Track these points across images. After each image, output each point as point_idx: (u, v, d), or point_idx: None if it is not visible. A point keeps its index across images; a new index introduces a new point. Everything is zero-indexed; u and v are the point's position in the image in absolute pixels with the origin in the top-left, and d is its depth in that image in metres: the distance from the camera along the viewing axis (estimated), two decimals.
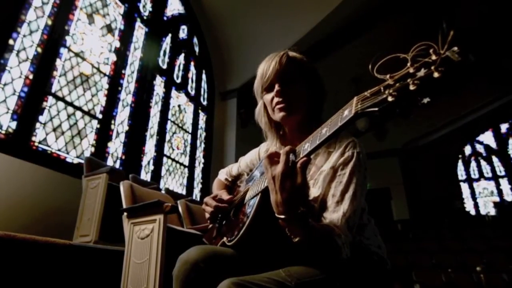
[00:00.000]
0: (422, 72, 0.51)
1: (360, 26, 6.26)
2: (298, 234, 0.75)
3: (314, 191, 0.90)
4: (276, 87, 1.00)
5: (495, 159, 9.91)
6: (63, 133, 3.36)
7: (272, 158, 0.78)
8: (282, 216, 0.74)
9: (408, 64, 0.54)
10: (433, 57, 0.50)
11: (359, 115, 0.61)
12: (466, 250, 5.01)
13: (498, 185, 9.67)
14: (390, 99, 0.55)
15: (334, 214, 0.84)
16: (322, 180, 0.89)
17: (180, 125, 5.48)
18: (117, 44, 4.27)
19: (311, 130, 0.78)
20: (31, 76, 3.09)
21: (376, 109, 0.57)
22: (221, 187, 1.28)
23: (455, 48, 0.49)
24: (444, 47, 0.49)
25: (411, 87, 0.52)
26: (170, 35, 5.44)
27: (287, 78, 1.00)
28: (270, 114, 1.06)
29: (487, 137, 10.10)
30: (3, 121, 2.83)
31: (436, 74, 0.50)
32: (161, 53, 5.17)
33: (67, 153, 3.36)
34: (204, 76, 6.38)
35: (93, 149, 3.66)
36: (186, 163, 5.48)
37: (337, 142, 0.93)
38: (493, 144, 9.98)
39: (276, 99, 1.01)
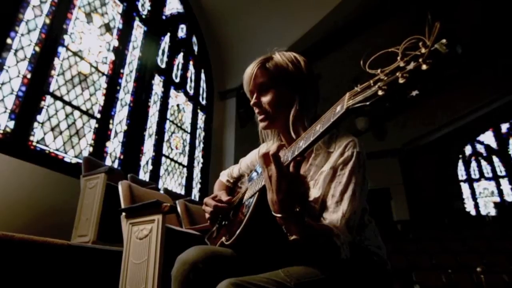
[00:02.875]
0: (411, 65, 0.52)
1: (360, 25, 6.25)
2: (295, 233, 0.76)
3: (315, 192, 0.90)
4: (253, 98, 1.02)
5: (495, 159, 9.88)
6: (61, 132, 3.35)
7: (267, 157, 0.78)
8: (279, 215, 0.75)
9: (398, 58, 0.55)
10: (422, 50, 0.51)
11: (351, 110, 0.62)
12: (467, 250, 4.99)
13: (498, 185, 9.64)
14: (380, 93, 0.56)
15: (333, 214, 0.84)
16: (322, 181, 0.89)
17: (179, 124, 5.48)
18: (115, 43, 4.27)
19: (302, 129, 0.78)
20: (29, 75, 3.09)
21: (367, 103, 0.58)
22: (222, 189, 1.28)
23: (443, 41, 0.49)
24: (431, 39, 0.50)
25: (400, 80, 0.53)
26: (168, 34, 5.44)
27: (262, 87, 1.00)
28: None
29: (488, 137, 10.08)
30: (0, 121, 2.82)
31: (424, 67, 0.51)
32: (160, 52, 5.17)
33: (65, 152, 3.35)
34: (203, 76, 6.37)
35: (91, 149, 3.65)
36: (185, 163, 5.47)
37: (337, 142, 0.93)
38: (493, 144, 9.96)
39: (255, 109, 1.02)
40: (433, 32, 0.50)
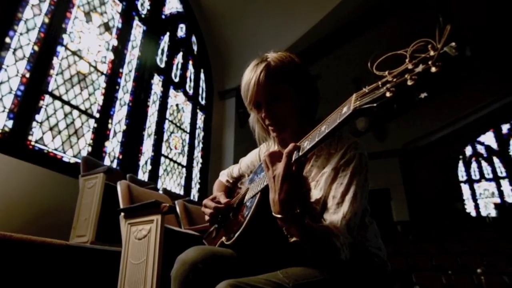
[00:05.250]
0: (420, 68, 0.52)
1: (360, 26, 6.24)
2: (295, 234, 0.76)
3: (316, 193, 0.89)
4: (263, 110, 0.97)
5: (496, 160, 9.86)
6: (59, 132, 3.33)
7: (274, 157, 0.79)
8: (279, 216, 0.75)
9: (407, 60, 0.54)
10: (431, 53, 0.51)
11: (358, 111, 0.61)
12: (467, 252, 4.98)
13: (499, 186, 9.61)
14: (388, 94, 0.55)
15: (334, 215, 0.83)
16: (323, 182, 0.89)
17: (178, 124, 5.46)
18: (114, 42, 4.25)
19: (308, 130, 0.78)
20: (27, 75, 3.07)
21: (375, 104, 0.57)
22: (221, 189, 1.28)
23: (453, 44, 0.49)
24: (441, 42, 0.49)
25: (409, 82, 0.53)
26: (168, 33, 5.42)
27: (270, 95, 0.96)
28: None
29: (488, 138, 10.06)
30: None
31: (433, 69, 0.50)
32: (159, 51, 5.15)
33: (64, 152, 3.34)
34: (202, 75, 6.36)
35: (90, 149, 3.63)
36: (184, 163, 5.46)
37: (338, 143, 0.92)
38: (494, 145, 9.94)
39: (266, 121, 0.99)
40: (443, 35, 0.49)
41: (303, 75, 1.00)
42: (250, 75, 0.97)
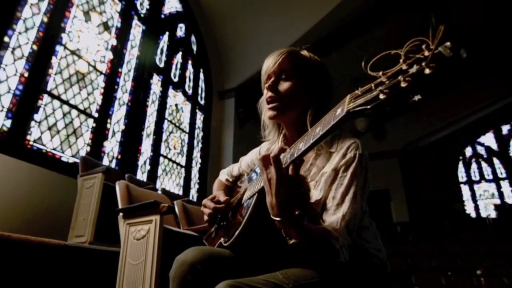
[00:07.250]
0: (414, 69, 0.50)
1: (361, 25, 6.23)
2: (293, 236, 0.75)
3: (316, 194, 0.89)
4: (270, 81, 0.99)
5: (496, 161, 9.85)
6: (58, 132, 3.33)
7: (267, 160, 0.77)
8: (278, 219, 0.74)
9: (401, 61, 0.53)
10: (426, 53, 0.49)
11: (351, 113, 0.60)
12: (467, 253, 4.97)
13: (499, 187, 9.61)
14: (381, 96, 0.54)
15: (333, 216, 0.83)
16: (323, 182, 0.88)
17: (177, 124, 5.46)
18: (113, 42, 4.25)
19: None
20: (26, 74, 3.07)
21: (368, 107, 0.56)
22: (221, 188, 1.27)
23: (448, 44, 0.47)
24: (435, 42, 0.48)
25: (402, 84, 0.51)
26: (167, 33, 5.42)
27: (282, 73, 0.98)
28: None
29: (488, 139, 10.05)
30: None
31: (427, 71, 0.49)
32: (158, 51, 5.15)
33: (62, 152, 3.33)
34: (201, 75, 6.36)
35: (88, 148, 3.63)
36: (183, 163, 5.46)
37: (339, 142, 0.92)
38: (494, 146, 9.93)
39: (268, 94, 0.99)
40: (437, 35, 0.48)
41: (321, 71, 1.02)
42: (274, 53, 1.01)
